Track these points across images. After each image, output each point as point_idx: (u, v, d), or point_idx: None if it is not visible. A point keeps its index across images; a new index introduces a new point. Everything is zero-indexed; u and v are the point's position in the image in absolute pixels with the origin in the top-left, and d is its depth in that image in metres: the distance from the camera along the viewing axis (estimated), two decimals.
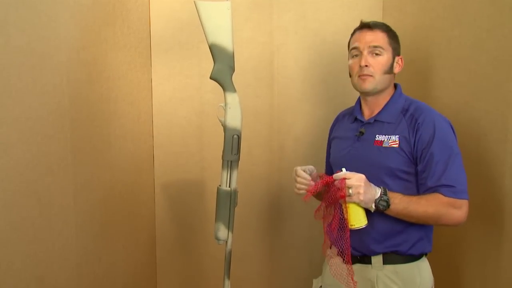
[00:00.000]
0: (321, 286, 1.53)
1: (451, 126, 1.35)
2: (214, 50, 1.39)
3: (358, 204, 1.25)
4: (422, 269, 1.38)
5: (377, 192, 1.26)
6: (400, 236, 1.35)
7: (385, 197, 1.25)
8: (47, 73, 1.28)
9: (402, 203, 1.27)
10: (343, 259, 1.32)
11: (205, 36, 1.38)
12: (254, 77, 2.04)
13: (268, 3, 2.00)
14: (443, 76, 1.63)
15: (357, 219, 1.26)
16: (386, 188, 1.28)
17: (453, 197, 1.27)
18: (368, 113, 1.45)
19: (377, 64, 1.38)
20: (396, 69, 1.42)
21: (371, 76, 1.38)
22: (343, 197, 1.24)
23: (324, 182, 1.28)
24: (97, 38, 1.57)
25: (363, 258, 1.38)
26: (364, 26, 1.41)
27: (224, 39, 1.38)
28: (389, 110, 1.40)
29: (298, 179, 1.36)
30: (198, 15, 1.37)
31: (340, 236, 1.30)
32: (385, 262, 1.36)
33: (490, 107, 1.41)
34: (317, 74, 2.01)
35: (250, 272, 2.13)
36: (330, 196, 1.27)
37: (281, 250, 2.13)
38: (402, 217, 1.29)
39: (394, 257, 1.36)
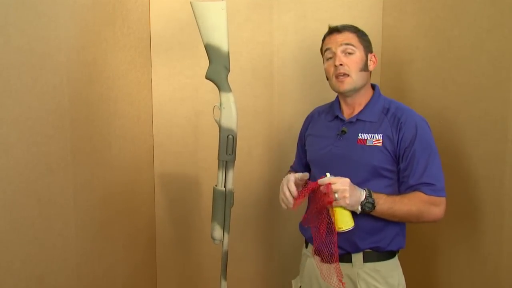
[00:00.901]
0: (300, 286, 1.56)
1: (428, 125, 1.39)
2: (209, 50, 1.40)
3: (344, 208, 1.27)
4: (398, 266, 1.44)
5: (362, 194, 1.29)
6: (381, 233, 1.39)
7: (370, 199, 1.28)
8: (47, 73, 1.28)
9: (386, 203, 1.30)
10: (321, 258, 1.34)
11: (201, 36, 1.39)
12: (254, 77, 2.04)
13: (268, 3, 2.00)
14: (443, 76, 1.63)
15: (344, 222, 1.28)
16: (370, 189, 1.30)
17: (433, 195, 1.31)
18: (348, 112, 1.47)
19: (351, 63, 1.40)
20: (371, 66, 1.45)
21: (348, 75, 1.41)
22: (331, 202, 1.25)
23: (310, 189, 1.29)
24: (97, 38, 1.57)
25: (343, 257, 1.40)
26: (333, 30, 1.45)
27: (219, 39, 1.38)
28: (371, 110, 1.43)
29: (287, 193, 1.33)
30: (194, 15, 1.38)
31: (329, 240, 1.31)
32: (365, 260, 1.39)
33: (490, 107, 1.41)
34: (317, 74, 2.01)
35: (249, 272, 2.13)
36: (318, 202, 1.29)
37: (280, 250, 2.13)
38: (386, 217, 1.33)
39: (373, 254, 1.39)
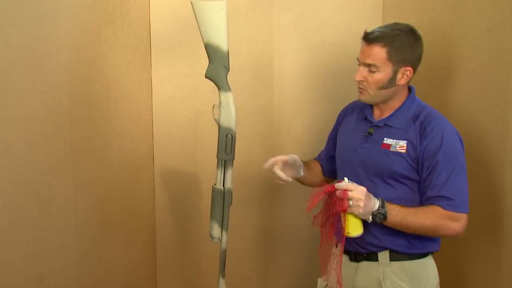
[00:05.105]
0: (326, 285, 1.54)
1: (459, 137, 1.34)
2: (209, 50, 1.40)
3: (356, 215, 1.28)
4: (428, 267, 1.40)
5: (376, 204, 1.28)
6: (399, 235, 1.36)
7: (382, 210, 1.27)
8: (47, 73, 1.28)
9: (399, 215, 1.29)
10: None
11: (201, 35, 1.39)
12: (254, 76, 2.04)
13: (268, 3, 2.00)
14: (443, 76, 1.63)
15: (354, 228, 1.29)
16: (384, 200, 1.30)
17: (451, 211, 1.28)
18: (378, 114, 1.44)
19: (371, 80, 1.35)
20: (401, 81, 1.36)
21: (365, 90, 1.38)
22: (345, 210, 1.26)
23: (326, 191, 1.29)
24: (97, 37, 1.57)
25: (370, 255, 1.39)
26: (364, 38, 1.37)
27: (218, 39, 1.38)
28: (400, 116, 1.39)
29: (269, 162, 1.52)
30: (194, 14, 1.38)
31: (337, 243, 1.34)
32: (392, 259, 1.37)
33: (490, 106, 1.41)
34: (317, 73, 2.01)
35: (249, 271, 2.13)
36: (331, 207, 1.29)
37: (281, 250, 2.13)
38: (399, 228, 1.31)
39: (400, 253, 1.37)
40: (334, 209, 1.28)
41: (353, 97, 1.74)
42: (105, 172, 1.64)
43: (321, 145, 1.74)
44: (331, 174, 1.65)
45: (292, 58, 2.03)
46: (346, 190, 1.26)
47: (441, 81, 1.64)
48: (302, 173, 1.56)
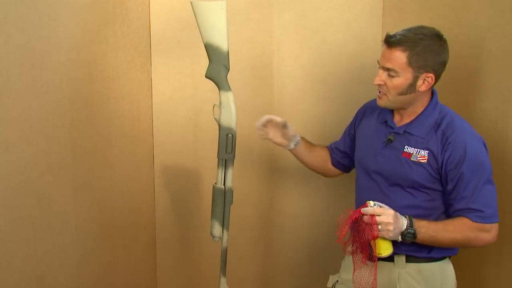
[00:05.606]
0: (337, 281, 1.53)
1: (484, 145, 1.31)
2: (209, 50, 1.41)
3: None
4: (445, 270, 1.38)
5: (404, 223, 1.26)
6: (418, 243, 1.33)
7: (411, 229, 1.25)
8: (47, 73, 1.28)
9: (428, 232, 1.27)
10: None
11: (201, 35, 1.40)
12: (254, 76, 2.04)
13: (268, 3, 2.00)
14: (443, 76, 1.63)
15: (385, 249, 1.28)
16: (412, 218, 1.27)
17: (481, 222, 1.26)
18: (398, 118, 1.40)
19: (390, 85, 1.31)
20: (422, 87, 1.31)
21: (384, 94, 1.34)
22: (375, 237, 1.24)
23: (353, 218, 1.27)
24: (97, 37, 1.57)
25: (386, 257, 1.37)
26: (385, 40, 1.31)
27: (218, 39, 1.39)
28: (421, 123, 1.35)
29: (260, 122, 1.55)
30: (194, 14, 1.39)
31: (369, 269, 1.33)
32: (408, 260, 1.36)
33: (490, 106, 1.41)
34: (317, 73, 2.01)
35: (249, 271, 2.13)
36: (361, 235, 1.27)
37: (281, 250, 2.13)
38: (429, 244, 1.30)
39: (417, 257, 1.36)
40: (364, 236, 1.27)
41: (353, 97, 1.75)
42: (105, 172, 1.64)
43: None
44: (339, 166, 1.65)
45: (292, 58, 2.03)
46: (374, 215, 1.24)
47: (441, 81, 1.64)
48: (292, 146, 1.58)
